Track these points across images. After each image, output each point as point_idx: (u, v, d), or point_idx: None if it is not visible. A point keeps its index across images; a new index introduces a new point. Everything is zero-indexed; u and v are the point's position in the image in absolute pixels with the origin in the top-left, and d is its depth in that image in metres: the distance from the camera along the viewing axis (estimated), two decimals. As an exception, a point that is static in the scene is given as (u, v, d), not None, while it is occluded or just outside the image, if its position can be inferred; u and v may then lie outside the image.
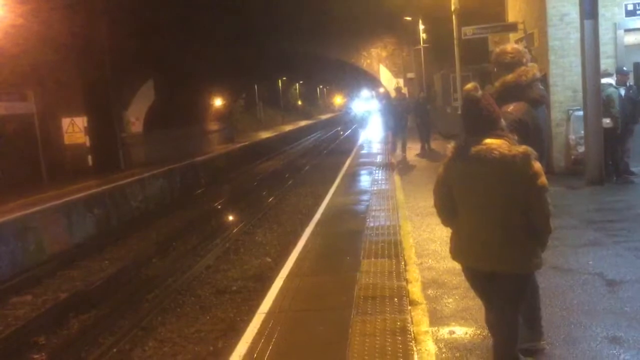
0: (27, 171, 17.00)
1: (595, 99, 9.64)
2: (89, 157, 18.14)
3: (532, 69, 3.89)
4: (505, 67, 3.88)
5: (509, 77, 3.83)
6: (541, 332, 3.99)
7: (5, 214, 11.54)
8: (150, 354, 7.10)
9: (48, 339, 7.84)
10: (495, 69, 3.98)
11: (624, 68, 10.30)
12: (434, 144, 18.99)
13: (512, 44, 4.21)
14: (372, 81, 39.96)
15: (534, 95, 3.85)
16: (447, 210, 3.47)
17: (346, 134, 46.97)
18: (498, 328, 3.45)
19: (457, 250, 3.49)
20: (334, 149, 33.33)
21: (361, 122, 58.56)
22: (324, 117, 73.25)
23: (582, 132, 10.31)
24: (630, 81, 10.57)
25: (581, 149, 10.60)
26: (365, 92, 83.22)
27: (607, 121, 9.69)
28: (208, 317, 8.15)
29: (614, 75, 10.08)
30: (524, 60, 3.90)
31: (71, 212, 13.26)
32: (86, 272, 10.98)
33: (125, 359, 6.98)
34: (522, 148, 3.15)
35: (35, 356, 7.34)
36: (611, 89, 9.70)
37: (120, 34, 18.83)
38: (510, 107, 3.73)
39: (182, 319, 8.18)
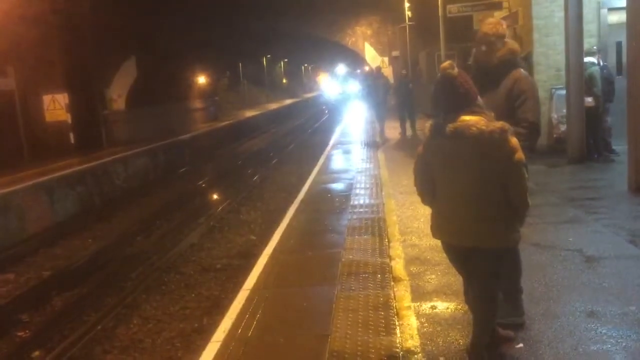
0: (7, 149, 16.77)
1: (578, 78, 9.71)
2: (71, 135, 17.92)
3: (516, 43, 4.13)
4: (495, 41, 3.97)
5: (512, 45, 3.96)
6: (521, 307, 4.08)
7: (-14, 192, 11.42)
8: (135, 331, 7.11)
9: (31, 316, 7.81)
10: (485, 46, 4.01)
11: (594, 47, 10.34)
12: (419, 125, 17.36)
13: (493, 19, 4.29)
14: (357, 59, 39.71)
15: (525, 66, 4.00)
16: (427, 189, 3.51)
17: (331, 113, 46.84)
18: (478, 303, 3.51)
19: (438, 228, 3.53)
20: (318, 127, 33.26)
21: (332, 116, 39.76)
22: (309, 95, 72.85)
23: (565, 111, 10.39)
24: (603, 60, 10.60)
25: (563, 127, 10.70)
26: (341, 68, 64.75)
27: (589, 100, 9.77)
28: (193, 295, 8.17)
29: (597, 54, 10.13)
30: (506, 34, 4.03)
31: (53, 190, 13.15)
32: (69, 250, 10.93)
33: (109, 336, 6.99)
34: (499, 124, 3.19)
35: (19, 333, 7.33)
36: (594, 68, 9.76)
37: (102, 11, 18.51)
38: (519, 73, 3.88)
39: (167, 296, 8.19)
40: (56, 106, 17.69)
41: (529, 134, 3.78)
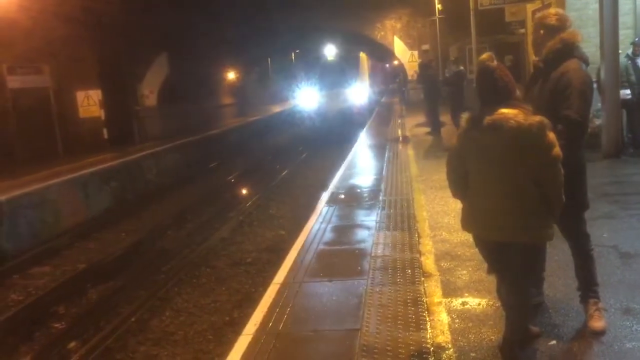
0: (43, 144, 17.15)
1: (613, 71, 9.49)
2: (104, 130, 18.26)
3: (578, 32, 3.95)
4: (551, 29, 3.87)
5: (567, 34, 3.83)
6: (541, 289, 4.23)
7: (23, 187, 11.70)
8: (168, 324, 7.24)
9: (67, 308, 8.02)
10: (542, 31, 3.94)
11: (637, 39, 10.11)
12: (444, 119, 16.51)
13: (555, 8, 4.20)
14: (386, 52, 39.29)
15: (584, 54, 3.88)
16: (459, 182, 3.48)
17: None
18: (511, 299, 3.47)
19: (469, 221, 3.50)
20: (347, 121, 33.06)
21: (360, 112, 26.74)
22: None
23: (599, 104, 10.17)
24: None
25: (598, 121, 10.48)
26: (330, 50, 29.95)
27: (626, 92, 9.58)
28: (223, 288, 8.28)
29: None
30: (568, 23, 3.91)
31: (87, 184, 13.42)
32: (103, 244, 11.16)
33: (143, 329, 7.13)
34: (538, 118, 3.14)
35: (56, 325, 7.53)
36: (623, 59, 9.58)
37: (133, 8, 18.76)
38: (573, 65, 3.73)
39: (198, 289, 8.32)
40: (90, 102, 18.04)
41: (568, 131, 3.56)
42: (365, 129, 20.60)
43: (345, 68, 26.85)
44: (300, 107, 27.53)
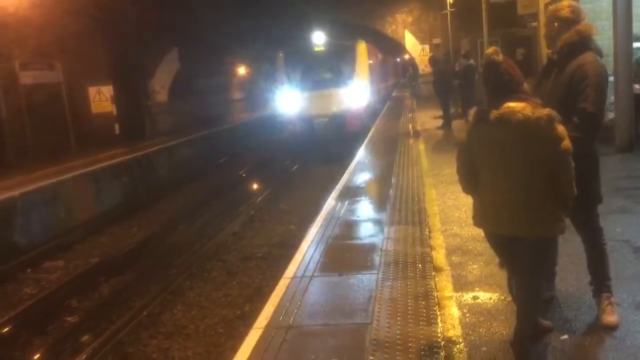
0: (55, 140, 17.26)
1: (627, 64, 9.39)
2: (116, 126, 18.35)
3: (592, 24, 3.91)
4: (566, 21, 3.83)
5: (581, 27, 3.78)
6: (553, 283, 4.23)
7: (36, 182, 11.81)
8: (179, 317, 7.29)
9: (80, 302, 8.09)
10: (556, 24, 3.89)
11: None
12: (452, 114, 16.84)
13: (568, 0, 4.13)
14: (397, 46, 39.03)
15: (598, 46, 3.84)
16: (470, 177, 3.46)
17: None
18: (520, 293, 3.46)
19: (480, 216, 3.49)
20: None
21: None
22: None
23: (613, 98, 10.07)
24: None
25: (611, 115, 10.38)
26: (319, 38, 20.40)
27: (637, 87, 9.48)
28: (235, 282, 8.31)
29: None
30: (582, 15, 3.86)
31: (99, 180, 13.51)
32: (115, 239, 11.23)
33: (155, 322, 7.18)
34: (546, 110, 3.11)
35: (68, 318, 7.60)
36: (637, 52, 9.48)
37: (144, 4, 18.81)
38: (589, 57, 3.69)
39: (210, 283, 8.36)
40: (101, 98, 18.15)
41: (583, 125, 3.53)
42: (374, 125, 20.49)
43: (337, 61, 20.61)
44: (278, 112, 21.37)
